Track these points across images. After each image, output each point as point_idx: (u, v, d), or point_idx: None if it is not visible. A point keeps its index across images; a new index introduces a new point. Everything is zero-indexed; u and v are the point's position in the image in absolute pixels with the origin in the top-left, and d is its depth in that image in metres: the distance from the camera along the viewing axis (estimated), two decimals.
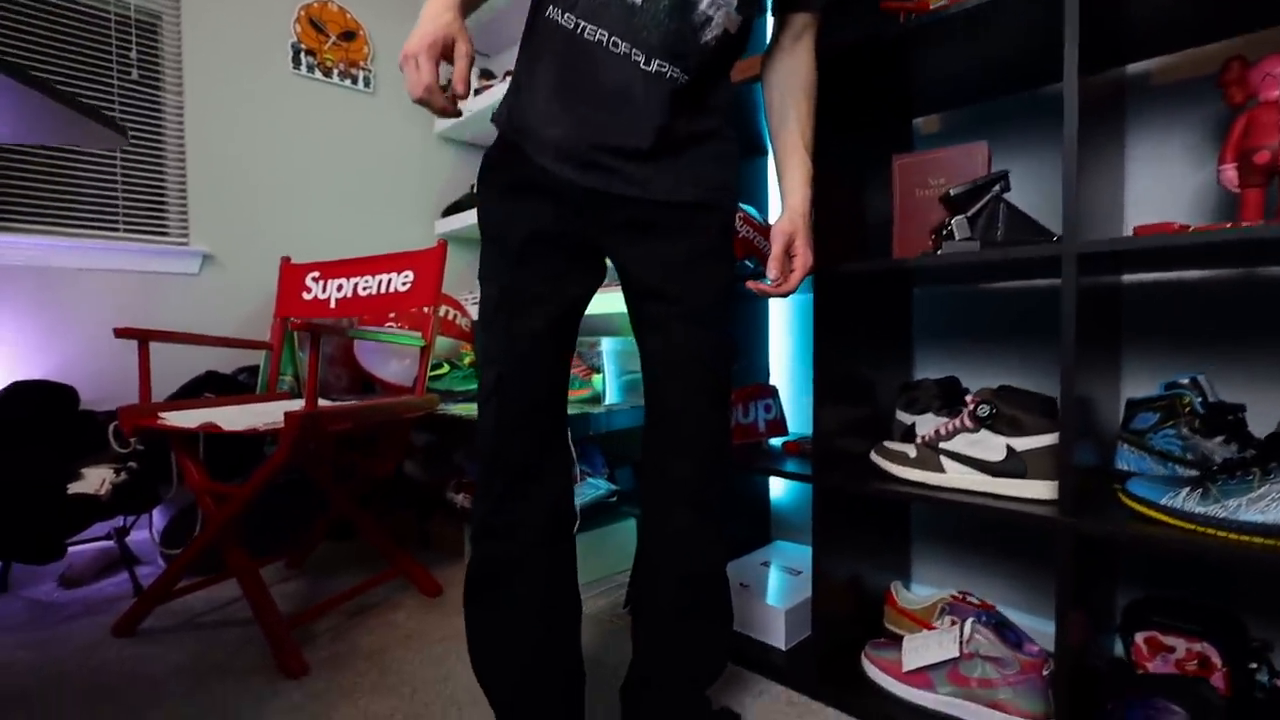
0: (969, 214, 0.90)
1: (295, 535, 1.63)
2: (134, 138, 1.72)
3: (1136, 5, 0.82)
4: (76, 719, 1.00)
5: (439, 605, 1.41)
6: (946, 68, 1.03)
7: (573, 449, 1.38)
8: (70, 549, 1.58)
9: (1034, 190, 1.09)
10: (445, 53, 0.69)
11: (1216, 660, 0.86)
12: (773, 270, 0.82)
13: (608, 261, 0.84)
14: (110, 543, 1.57)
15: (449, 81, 0.70)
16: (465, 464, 1.65)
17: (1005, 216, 0.89)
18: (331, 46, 2.04)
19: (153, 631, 1.29)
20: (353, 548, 1.78)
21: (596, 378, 1.61)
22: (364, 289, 1.58)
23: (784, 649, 1.12)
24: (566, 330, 0.81)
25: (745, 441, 1.22)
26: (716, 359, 0.82)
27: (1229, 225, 0.74)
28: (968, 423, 0.91)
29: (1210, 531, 0.71)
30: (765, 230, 1.18)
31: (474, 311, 2.04)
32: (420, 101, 0.70)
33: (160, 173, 1.77)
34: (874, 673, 1.01)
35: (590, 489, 1.48)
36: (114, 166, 1.70)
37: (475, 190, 0.87)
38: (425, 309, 1.57)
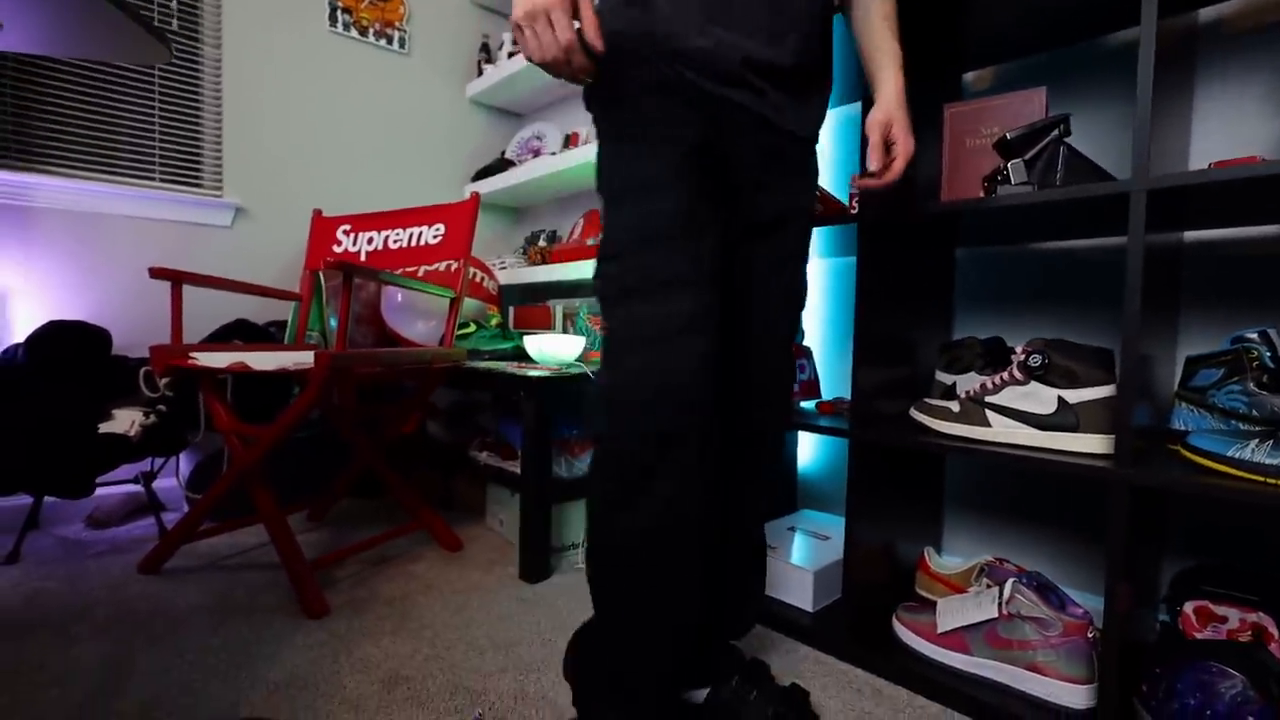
0: (1026, 157, 0.87)
1: (319, 488, 1.64)
2: (172, 89, 1.73)
3: None
4: (102, 646, 1.00)
5: (459, 559, 1.40)
6: (1001, 15, 0.99)
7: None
8: (98, 491, 1.61)
9: (1091, 147, 1.05)
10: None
11: (1274, 630, 0.82)
12: (873, 161, 0.78)
13: None
14: (137, 486, 1.58)
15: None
16: (491, 425, 1.64)
17: (1066, 159, 0.85)
18: (368, 6, 2.03)
19: (177, 571, 1.30)
20: (375, 505, 1.79)
21: None
22: (395, 241, 1.57)
23: (811, 610, 1.10)
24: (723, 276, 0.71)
25: None
26: (802, 307, 0.83)
27: None
28: (1017, 374, 0.88)
29: (1277, 482, 0.67)
30: None
31: (502, 276, 2.03)
32: (552, 63, 0.62)
33: (197, 124, 1.78)
34: (905, 635, 0.99)
35: None
36: (151, 115, 1.71)
37: (598, 91, 0.72)
38: (455, 264, 1.57)
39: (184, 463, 1.65)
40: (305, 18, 1.93)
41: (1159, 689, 0.78)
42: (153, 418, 1.48)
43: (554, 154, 1.97)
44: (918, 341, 1.14)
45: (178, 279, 1.35)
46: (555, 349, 1.41)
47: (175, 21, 1.73)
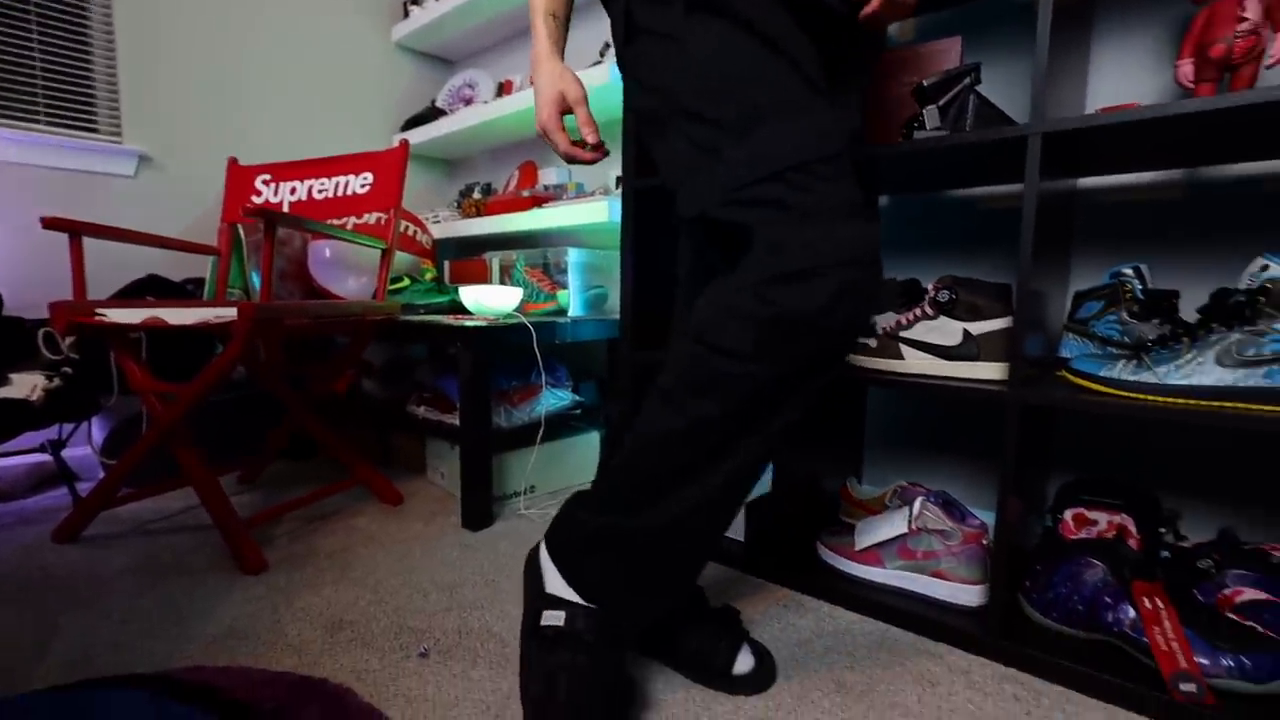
0: (940, 104, 0.92)
1: (249, 450, 1.59)
2: (52, 20, 1.57)
3: None
4: (18, 613, 0.96)
5: (400, 513, 1.40)
6: None
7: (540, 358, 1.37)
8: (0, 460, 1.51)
9: (1002, 97, 1.12)
10: (563, 108, 0.81)
11: (1132, 529, 0.94)
12: None
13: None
14: (45, 455, 1.49)
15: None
16: (428, 380, 1.62)
17: (975, 107, 0.90)
18: None
19: (97, 538, 1.25)
20: (310, 466, 1.75)
21: (562, 293, 1.60)
22: (320, 192, 1.51)
23: (743, 540, 1.17)
24: None
25: None
26: None
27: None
28: (928, 310, 0.95)
29: (1141, 397, 0.76)
30: None
31: (436, 230, 1.98)
32: (571, 162, 0.84)
33: (86, 61, 1.63)
34: (828, 556, 1.07)
35: (554, 399, 1.48)
36: (31, 49, 1.55)
37: None
38: (384, 216, 1.52)
39: (97, 429, 1.56)
40: None
41: (1039, 582, 0.89)
42: (57, 381, 1.39)
43: (486, 103, 1.92)
44: None
45: (76, 229, 1.25)
46: (492, 301, 1.40)
47: None
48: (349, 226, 1.70)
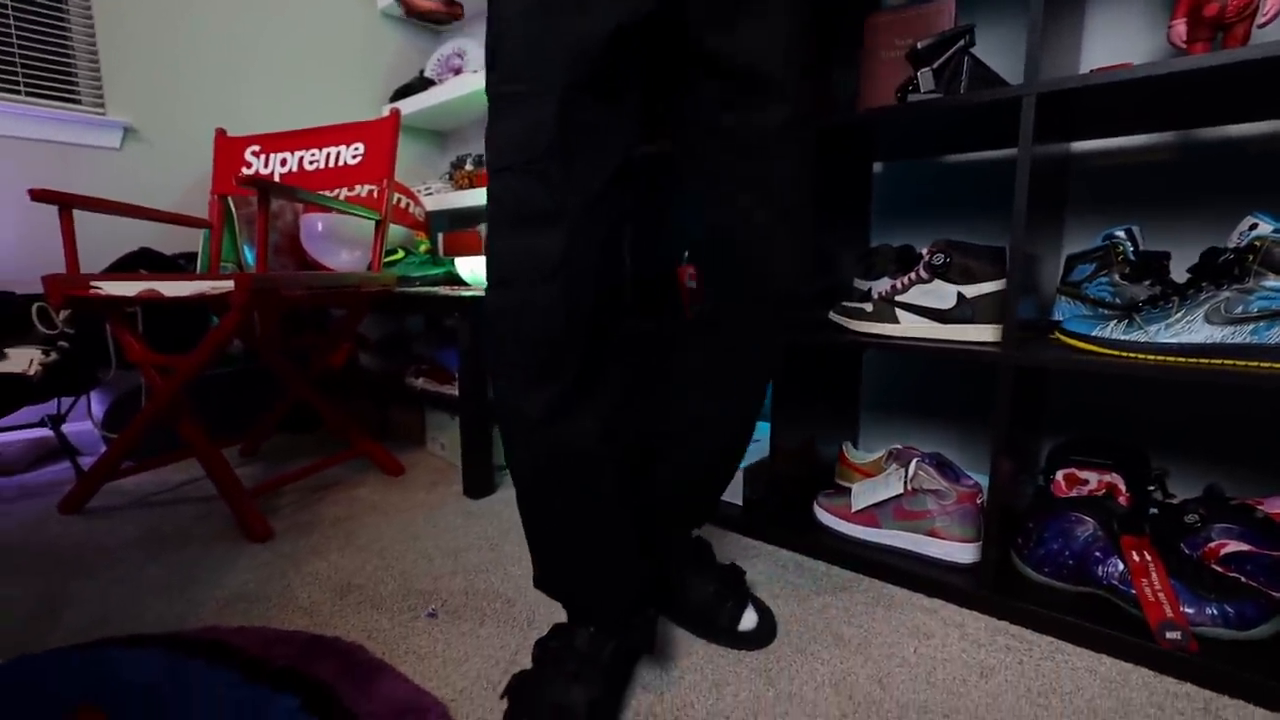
0: (934, 66, 0.91)
1: (248, 425, 1.59)
2: None
3: None
4: (30, 581, 0.98)
5: (401, 483, 1.42)
6: None
7: None
8: (0, 435, 1.51)
9: (997, 60, 1.11)
10: None
11: (1121, 487, 0.97)
12: None
13: None
14: (45, 430, 1.49)
15: None
16: (425, 352, 1.63)
17: (970, 69, 0.90)
18: None
19: (102, 510, 1.26)
20: (309, 439, 1.76)
21: None
22: (311, 163, 1.49)
23: (741, 504, 1.19)
24: None
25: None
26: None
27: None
28: (923, 274, 0.96)
29: (1133, 356, 0.78)
30: None
31: (429, 203, 1.96)
32: None
33: (63, 29, 1.59)
34: (825, 517, 1.09)
35: None
36: (5, 16, 1.50)
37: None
38: (376, 189, 1.50)
39: (96, 403, 1.56)
40: None
41: (1031, 538, 0.91)
42: (54, 355, 1.39)
43: (476, 72, 1.89)
44: (837, 252, 1.21)
45: (65, 202, 1.23)
46: None
47: None
48: (340, 198, 1.69)
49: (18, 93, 1.53)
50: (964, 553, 0.95)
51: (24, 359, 1.36)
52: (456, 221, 2.11)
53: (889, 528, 1.02)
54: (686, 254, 1.29)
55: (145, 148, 1.69)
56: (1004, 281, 0.91)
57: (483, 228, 1.78)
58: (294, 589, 0.95)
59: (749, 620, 0.83)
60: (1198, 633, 0.76)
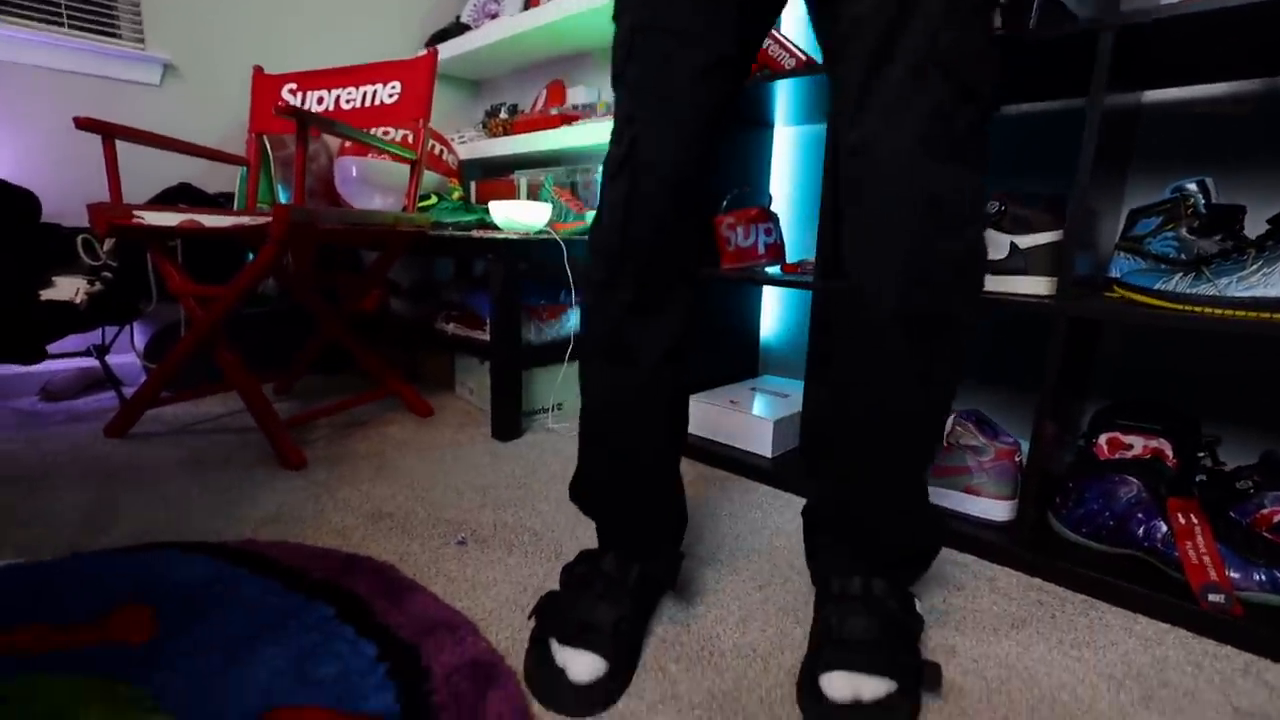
0: (1003, 2, 0.86)
1: (282, 363, 1.62)
2: None
3: None
4: (81, 494, 1.01)
5: (431, 423, 1.44)
6: None
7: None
8: (47, 365, 1.56)
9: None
10: None
11: (1169, 453, 0.93)
12: None
13: None
14: (91, 360, 1.54)
15: None
16: (456, 298, 1.63)
17: (1041, 5, 0.85)
18: None
19: (145, 435, 1.30)
20: (341, 381, 1.79)
21: (590, 213, 1.58)
22: (347, 101, 1.48)
23: (770, 456, 1.18)
24: None
25: (742, 264, 1.22)
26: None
27: None
28: None
29: (1198, 309, 0.74)
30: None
31: (462, 151, 1.95)
32: None
33: None
34: None
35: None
36: None
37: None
38: (411, 134, 1.49)
39: (139, 334, 1.60)
40: None
41: (1070, 499, 0.89)
42: (98, 286, 1.42)
43: (513, 16, 1.84)
44: None
45: (108, 131, 1.24)
46: (522, 216, 1.38)
47: None
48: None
49: (60, 24, 1.54)
50: (999, 510, 0.94)
51: (70, 288, 1.39)
52: (490, 171, 2.10)
53: None
54: (725, 202, 1.26)
55: (184, 85, 1.70)
56: (1060, 232, 0.87)
57: (518, 175, 1.77)
58: (327, 513, 0.97)
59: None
60: (1243, 598, 0.74)
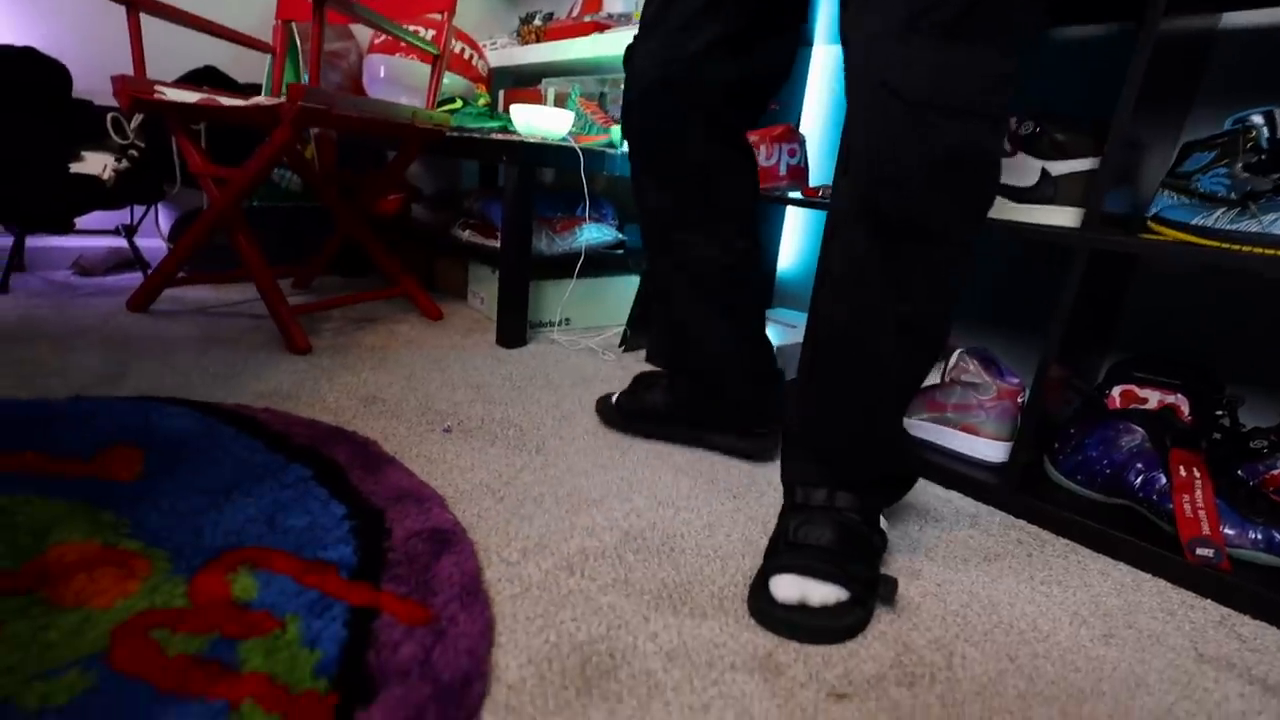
0: None
1: (302, 258, 1.65)
2: None
3: None
4: (98, 355, 1.06)
5: (439, 326, 1.45)
6: None
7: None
8: (80, 242, 1.61)
9: None
10: None
11: (1185, 409, 0.88)
12: None
13: None
14: (119, 239, 1.58)
15: None
16: (474, 206, 1.61)
17: None
18: None
19: (165, 311, 1.34)
20: (357, 282, 1.81)
21: (615, 128, 1.52)
22: None
23: None
24: None
25: (764, 185, 1.17)
26: None
27: None
28: (1007, 146, 0.85)
29: (1238, 247, 0.68)
30: None
31: (494, 58, 1.89)
32: None
33: None
34: None
35: (597, 233, 1.46)
36: None
37: None
38: (433, 28, 1.44)
39: (164, 217, 1.63)
40: None
41: (1069, 444, 0.85)
42: (125, 163, 1.44)
43: None
44: None
45: (132, 2, 1.23)
46: (543, 122, 1.34)
47: None
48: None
49: None
50: (995, 450, 0.91)
51: (99, 163, 1.42)
52: (520, 80, 2.04)
53: (919, 418, 0.97)
54: None
55: None
56: (1098, 160, 0.80)
57: (546, 84, 1.71)
58: (324, 393, 1.00)
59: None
60: (1234, 554, 0.71)
